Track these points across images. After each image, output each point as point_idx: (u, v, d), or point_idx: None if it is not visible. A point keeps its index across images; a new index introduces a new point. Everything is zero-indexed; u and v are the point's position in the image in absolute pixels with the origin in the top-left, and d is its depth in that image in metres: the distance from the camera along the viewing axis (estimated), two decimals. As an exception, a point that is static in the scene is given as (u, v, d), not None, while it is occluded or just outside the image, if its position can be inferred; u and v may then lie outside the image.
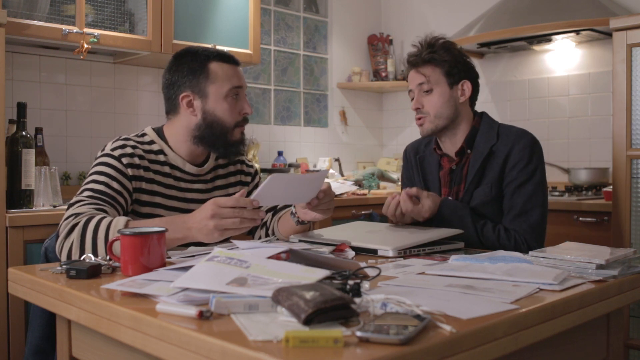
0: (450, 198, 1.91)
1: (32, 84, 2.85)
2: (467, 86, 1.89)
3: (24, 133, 2.36)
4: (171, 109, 1.77)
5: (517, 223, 1.78)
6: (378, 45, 4.31)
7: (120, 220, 1.46)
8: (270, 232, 1.85)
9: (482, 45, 3.52)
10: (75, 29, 2.60)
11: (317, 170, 3.62)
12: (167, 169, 1.73)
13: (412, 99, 1.94)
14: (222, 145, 1.73)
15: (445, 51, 1.88)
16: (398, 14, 4.36)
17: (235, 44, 3.16)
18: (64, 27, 2.57)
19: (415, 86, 1.91)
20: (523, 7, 3.28)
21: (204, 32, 3.04)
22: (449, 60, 1.87)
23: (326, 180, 3.29)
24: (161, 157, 1.73)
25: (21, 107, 2.40)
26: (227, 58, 1.75)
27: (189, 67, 1.72)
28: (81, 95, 3.01)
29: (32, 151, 2.37)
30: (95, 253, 1.42)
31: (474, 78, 1.93)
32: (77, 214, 1.50)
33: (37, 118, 2.81)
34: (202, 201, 1.75)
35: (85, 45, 2.60)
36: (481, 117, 1.94)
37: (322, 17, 4.18)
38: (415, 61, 1.90)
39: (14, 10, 2.48)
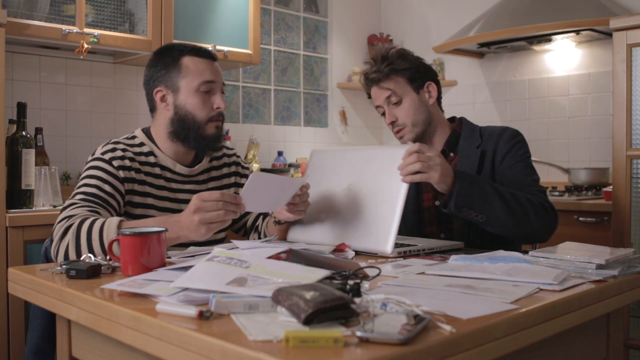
0: (437, 202, 1.89)
1: (32, 84, 2.85)
2: (432, 87, 1.90)
3: (24, 133, 2.37)
4: (152, 106, 1.78)
5: (529, 191, 1.75)
6: (378, 45, 4.31)
7: (113, 221, 1.46)
8: (262, 235, 1.85)
9: (482, 45, 3.52)
10: (75, 29, 2.60)
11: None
12: (157, 170, 1.74)
13: (382, 114, 1.92)
14: (194, 139, 1.72)
15: (402, 59, 1.87)
16: (398, 14, 4.36)
17: (235, 44, 3.16)
18: (64, 27, 2.57)
19: (383, 101, 1.89)
20: (523, 7, 3.28)
21: (204, 32, 3.04)
22: (408, 67, 1.86)
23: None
24: (151, 159, 1.74)
25: (21, 107, 2.40)
26: (201, 52, 1.74)
27: (163, 62, 1.73)
28: (81, 95, 3.01)
29: (32, 151, 2.37)
30: (91, 254, 1.42)
31: (435, 78, 1.93)
32: (70, 216, 1.51)
33: (37, 118, 2.81)
34: None
35: (85, 45, 2.60)
36: (461, 122, 1.95)
37: (322, 17, 4.17)
38: (377, 77, 1.88)
39: (14, 10, 2.48)
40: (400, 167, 1.51)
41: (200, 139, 1.73)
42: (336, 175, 1.68)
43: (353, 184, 1.63)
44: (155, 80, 1.74)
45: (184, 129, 1.71)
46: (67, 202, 1.59)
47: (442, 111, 1.98)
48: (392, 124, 1.90)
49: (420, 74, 1.88)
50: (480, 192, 1.57)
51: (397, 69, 1.86)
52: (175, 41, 2.87)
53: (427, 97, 1.89)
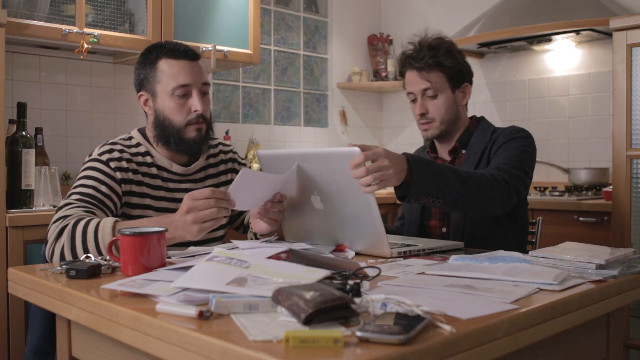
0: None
1: (32, 84, 2.85)
2: (467, 89, 1.92)
3: (24, 133, 2.37)
4: (142, 108, 1.78)
5: (497, 171, 1.69)
6: (378, 45, 4.31)
7: (108, 222, 1.46)
8: (257, 235, 1.84)
9: (482, 45, 3.52)
10: (75, 29, 2.60)
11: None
12: (154, 170, 1.73)
13: (413, 101, 1.92)
14: (175, 143, 1.70)
15: (449, 56, 1.86)
16: (398, 14, 4.36)
17: (235, 44, 3.16)
18: (64, 27, 2.57)
19: (418, 90, 1.89)
20: (523, 7, 3.28)
21: (204, 32, 3.04)
22: (452, 66, 1.86)
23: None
24: (148, 159, 1.74)
25: (21, 107, 2.40)
26: (177, 54, 1.68)
27: (144, 65, 1.72)
28: (81, 95, 3.01)
29: (32, 151, 2.37)
30: (88, 254, 1.42)
31: (471, 80, 1.96)
32: (65, 217, 1.51)
33: (37, 118, 2.81)
34: None
35: (85, 45, 2.60)
36: (479, 121, 1.96)
37: (322, 17, 4.17)
38: (420, 66, 1.86)
39: (14, 10, 2.48)
40: (353, 177, 1.41)
41: (180, 143, 1.70)
42: (297, 180, 1.59)
43: (321, 189, 1.56)
44: (138, 84, 1.73)
45: (165, 134, 1.70)
46: (63, 202, 1.58)
47: (472, 116, 2.00)
48: (422, 115, 1.89)
49: (461, 74, 1.89)
50: (435, 176, 1.50)
51: (443, 64, 1.85)
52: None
53: (461, 97, 1.90)
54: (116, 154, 1.68)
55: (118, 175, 1.65)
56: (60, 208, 1.56)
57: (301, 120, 4.04)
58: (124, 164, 1.67)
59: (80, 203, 1.57)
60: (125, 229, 1.30)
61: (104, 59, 3.06)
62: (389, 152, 1.42)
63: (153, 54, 1.71)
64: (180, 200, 1.74)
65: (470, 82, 1.94)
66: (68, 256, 1.45)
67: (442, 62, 1.85)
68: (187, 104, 1.68)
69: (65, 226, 1.48)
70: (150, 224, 1.47)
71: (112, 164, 1.65)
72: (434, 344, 0.82)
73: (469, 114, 2.01)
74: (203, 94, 1.71)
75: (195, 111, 1.69)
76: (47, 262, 1.70)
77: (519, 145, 1.80)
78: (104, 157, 1.66)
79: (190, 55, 1.70)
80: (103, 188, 1.62)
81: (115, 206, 1.64)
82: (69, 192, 1.62)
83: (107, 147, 1.69)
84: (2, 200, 2.23)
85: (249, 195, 1.52)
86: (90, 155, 1.70)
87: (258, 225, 1.64)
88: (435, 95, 1.87)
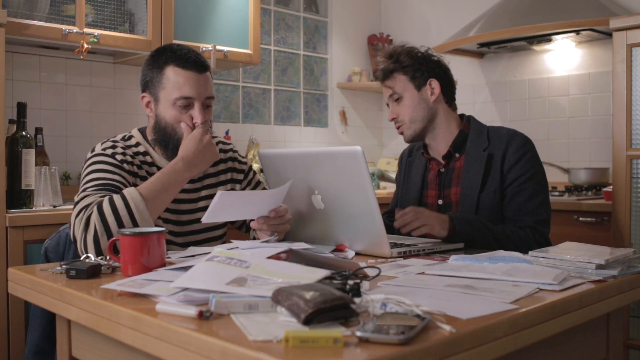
0: (440, 201, 1.91)
1: (32, 84, 2.85)
2: (434, 84, 1.89)
3: (24, 133, 2.36)
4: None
5: (527, 221, 1.77)
6: (378, 45, 4.31)
7: (130, 189, 1.48)
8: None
9: (482, 45, 3.52)
10: (75, 29, 2.60)
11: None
12: (154, 170, 1.73)
13: None
14: (173, 150, 1.68)
15: (406, 56, 1.89)
16: (398, 14, 4.36)
17: (235, 44, 3.16)
18: (64, 27, 2.57)
19: (387, 98, 1.94)
20: (523, 7, 3.28)
21: (204, 32, 3.04)
22: (410, 65, 1.88)
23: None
24: (148, 159, 1.73)
25: (21, 107, 2.40)
26: (186, 64, 1.65)
27: (151, 67, 1.70)
28: (81, 95, 3.01)
29: (32, 151, 2.37)
30: (133, 225, 1.44)
31: (441, 75, 1.92)
32: (86, 207, 1.49)
33: (37, 118, 2.81)
34: (191, 200, 1.77)
35: (85, 45, 2.60)
36: (469, 121, 1.94)
37: (322, 17, 4.17)
38: (380, 75, 1.93)
39: (14, 10, 2.48)
40: (399, 224, 1.69)
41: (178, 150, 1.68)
42: (298, 179, 1.61)
43: (322, 189, 1.58)
44: (143, 84, 1.72)
45: (164, 139, 1.69)
46: (79, 197, 1.55)
47: (455, 108, 1.97)
48: (393, 120, 1.93)
49: (422, 72, 1.88)
50: (478, 234, 1.70)
51: (398, 67, 1.89)
52: (174, 41, 2.87)
53: (428, 94, 1.89)
54: (120, 149, 1.67)
55: (126, 166, 1.64)
56: (77, 202, 1.53)
57: (301, 120, 4.04)
58: (128, 159, 1.67)
59: (97, 189, 1.55)
60: (125, 229, 1.30)
61: (104, 59, 3.06)
62: (432, 212, 1.73)
63: (162, 57, 1.68)
64: (180, 200, 1.75)
65: (439, 78, 1.90)
66: (103, 240, 1.42)
67: (398, 65, 1.89)
68: (188, 114, 1.67)
69: (90, 214, 1.45)
70: (166, 169, 1.58)
71: (118, 157, 1.64)
72: (433, 344, 0.82)
73: (467, 113, 2.00)
74: (206, 107, 1.69)
75: (195, 123, 1.67)
76: (47, 260, 1.70)
77: (534, 167, 1.82)
78: (109, 152, 1.65)
79: (199, 66, 1.66)
80: (115, 176, 1.60)
81: None
82: (81, 187, 1.59)
83: (110, 144, 1.69)
84: (2, 200, 2.23)
85: (231, 212, 1.55)
86: (93, 151, 1.69)
87: (263, 236, 1.65)
88: (401, 99, 1.90)
